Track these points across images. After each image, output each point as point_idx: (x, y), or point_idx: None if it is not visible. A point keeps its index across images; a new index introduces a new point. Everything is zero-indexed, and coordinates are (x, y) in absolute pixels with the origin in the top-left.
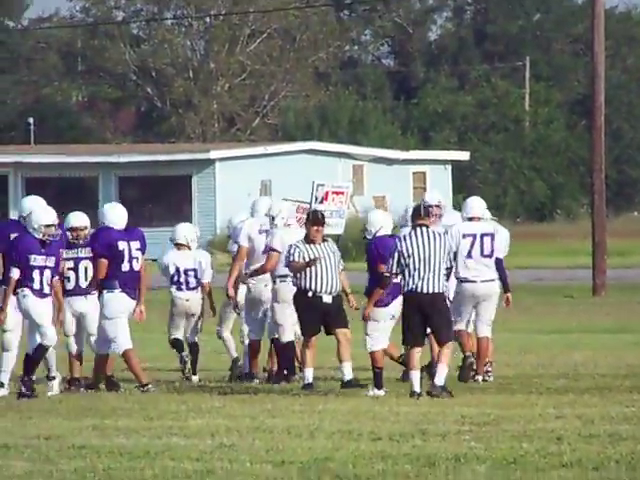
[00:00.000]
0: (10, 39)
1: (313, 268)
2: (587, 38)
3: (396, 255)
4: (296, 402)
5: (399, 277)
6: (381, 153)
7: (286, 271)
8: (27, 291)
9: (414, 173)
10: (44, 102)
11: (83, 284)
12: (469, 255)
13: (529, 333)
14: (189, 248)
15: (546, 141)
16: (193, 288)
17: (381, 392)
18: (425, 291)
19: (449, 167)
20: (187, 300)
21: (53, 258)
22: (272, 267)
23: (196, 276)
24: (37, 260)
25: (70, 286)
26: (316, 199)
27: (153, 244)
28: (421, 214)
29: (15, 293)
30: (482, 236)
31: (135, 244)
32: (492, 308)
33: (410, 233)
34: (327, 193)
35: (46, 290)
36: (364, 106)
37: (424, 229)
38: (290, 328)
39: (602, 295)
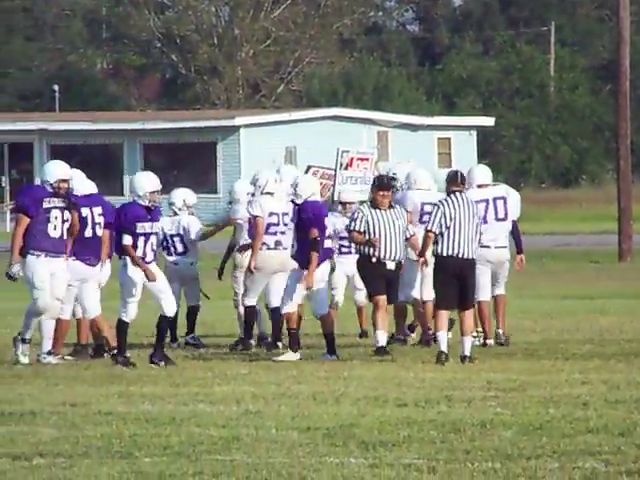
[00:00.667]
0: (35, 6)
1: (377, 235)
2: (612, 3)
3: (439, 215)
4: (321, 368)
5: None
6: (406, 119)
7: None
8: (129, 259)
9: (439, 139)
10: (69, 69)
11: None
12: (484, 220)
13: (555, 299)
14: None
15: (571, 106)
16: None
17: (296, 356)
18: (462, 256)
19: (474, 133)
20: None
21: (157, 224)
22: (261, 234)
23: (182, 241)
24: (144, 227)
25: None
26: (341, 165)
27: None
28: (457, 180)
29: (134, 259)
30: (495, 200)
31: (97, 210)
32: (505, 274)
33: (450, 198)
34: (352, 159)
35: (149, 257)
36: (389, 72)
37: (460, 195)
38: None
39: (628, 260)
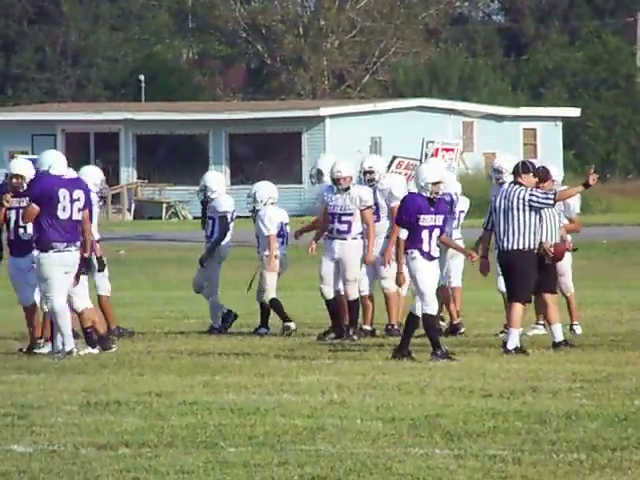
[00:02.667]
0: None
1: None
2: None
3: (489, 210)
4: (407, 359)
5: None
6: (491, 110)
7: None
8: (416, 253)
9: (525, 130)
10: (155, 59)
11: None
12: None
13: None
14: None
15: None
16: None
17: (94, 350)
18: (502, 248)
19: (560, 124)
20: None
21: (441, 217)
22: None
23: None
24: (426, 220)
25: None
26: (426, 155)
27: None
28: (518, 172)
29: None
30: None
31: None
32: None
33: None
34: (437, 150)
35: (434, 252)
36: (474, 63)
37: (514, 186)
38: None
39: None
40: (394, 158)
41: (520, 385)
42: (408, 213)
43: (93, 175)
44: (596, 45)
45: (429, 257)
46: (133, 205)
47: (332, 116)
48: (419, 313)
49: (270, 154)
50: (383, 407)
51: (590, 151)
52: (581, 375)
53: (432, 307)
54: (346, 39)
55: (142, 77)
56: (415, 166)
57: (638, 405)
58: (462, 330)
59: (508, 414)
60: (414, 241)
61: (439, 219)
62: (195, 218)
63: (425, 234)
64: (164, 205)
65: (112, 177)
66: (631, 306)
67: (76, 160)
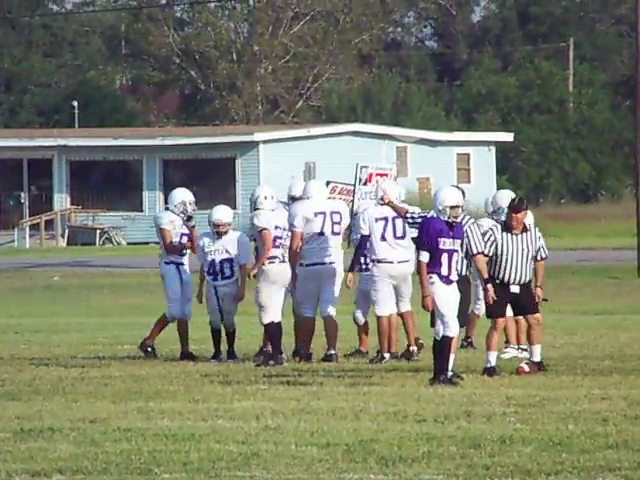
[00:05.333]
0: (54, 23)
1: (504, 258)
2: (631, 19)
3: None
4: (341, 384)
5: None
6: (425, 135)
7: (275, 252)
8: (435, 277)
9: (458, 154)
10: (88, 85)
11: None
12: (383, 237)
13: (574, 314)
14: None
15: (590, 122)
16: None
17: None
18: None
19: (493, 148)
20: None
21: (459, 241)
22: (269, 247)
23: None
24: (446, 243)
25: None
26: (360, 181)
27: (198, 225)
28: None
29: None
30: (394, 219)
31: None
32: (409, 290)
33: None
34: (371, 175)
35: (453, 276)
36: (407, 88)
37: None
38: (273, 310)
39: None
40: (328, 183)
41: (454, 409)
42: (429, 236)
43: None
44: (529, 70)
45: (447, 281)
46: (67, 231)
47: (266, 141)
48: (440, 336)
49: (204, 179)
50: (318, 432)
51: (523, 176)
52: (515, 399)
53: (452, 330)
54: (279, 65)
55: (75, 103)
56: (350, 191)
57: (572, 430)
58: (415, 357)
59: (443, 439)
60: (433, 265)
61: (457, 243)
62: (129, 244)
63: (444, 258)
64: (98, 231)
65: (45, 203)
66: (565, 330)
67: (9, 187)
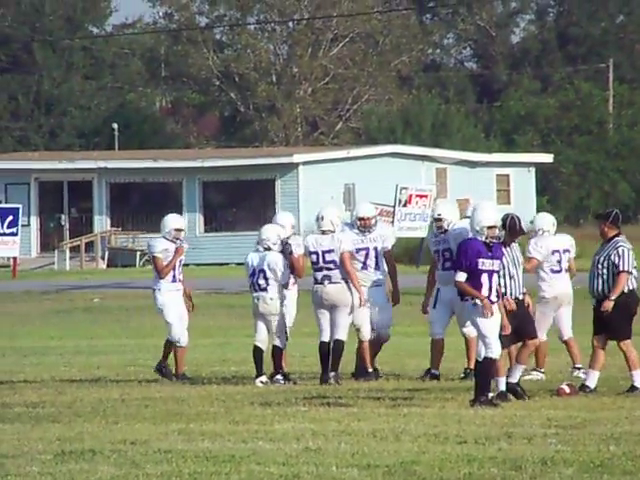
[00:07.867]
0: (94, 45)
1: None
2: None
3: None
4: (382, 405)
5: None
6: (464, 156)
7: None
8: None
9: (497, 176)
10: (128, 108)
11: None
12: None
13: None
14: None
15: (630, 143)
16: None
17: None
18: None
19: (532, 170)
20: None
21: (498, 262)
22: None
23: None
24: (485, 264)
25: None
26: (400, 202)
27: (237, 247)
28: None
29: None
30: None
31: None
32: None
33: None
34: (410, 196)
35: (493, 297)
36: (447, 109)
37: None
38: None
39: None
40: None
41: (495, 431)
42: (467, 257)
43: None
44: (568, 91)
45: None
46: (107, 253)
47: (305, 163)
48: (482, 357)
49: (243, 201)
50: (358, 454)
51: (563, 197)
52: (556, 421)
53: (495, 351)
54: (319, 86)
55: (115, 125)
56: (389, 212)
57: (613, 451)
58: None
59: (483, 460)
60: (474, 286)
61: (496, 264)
62: None
63: (484, 278)
64: (138, 252)
65: (86, 225)
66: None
67: (49, 209)
